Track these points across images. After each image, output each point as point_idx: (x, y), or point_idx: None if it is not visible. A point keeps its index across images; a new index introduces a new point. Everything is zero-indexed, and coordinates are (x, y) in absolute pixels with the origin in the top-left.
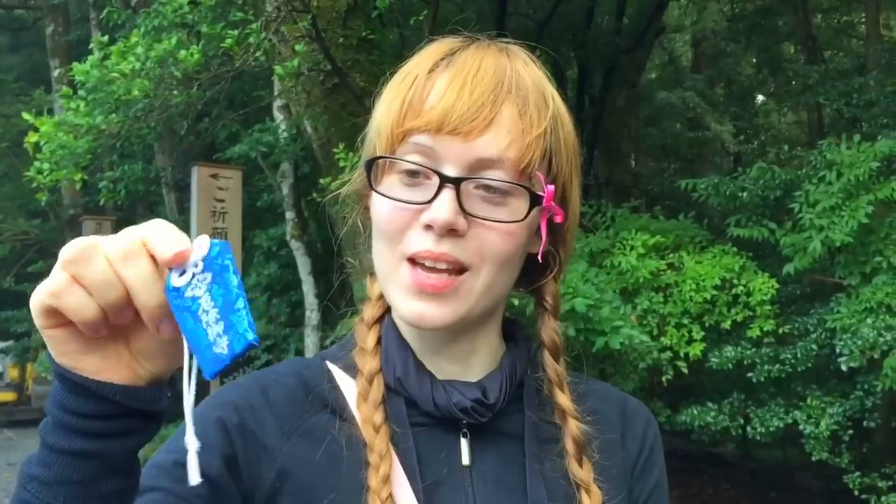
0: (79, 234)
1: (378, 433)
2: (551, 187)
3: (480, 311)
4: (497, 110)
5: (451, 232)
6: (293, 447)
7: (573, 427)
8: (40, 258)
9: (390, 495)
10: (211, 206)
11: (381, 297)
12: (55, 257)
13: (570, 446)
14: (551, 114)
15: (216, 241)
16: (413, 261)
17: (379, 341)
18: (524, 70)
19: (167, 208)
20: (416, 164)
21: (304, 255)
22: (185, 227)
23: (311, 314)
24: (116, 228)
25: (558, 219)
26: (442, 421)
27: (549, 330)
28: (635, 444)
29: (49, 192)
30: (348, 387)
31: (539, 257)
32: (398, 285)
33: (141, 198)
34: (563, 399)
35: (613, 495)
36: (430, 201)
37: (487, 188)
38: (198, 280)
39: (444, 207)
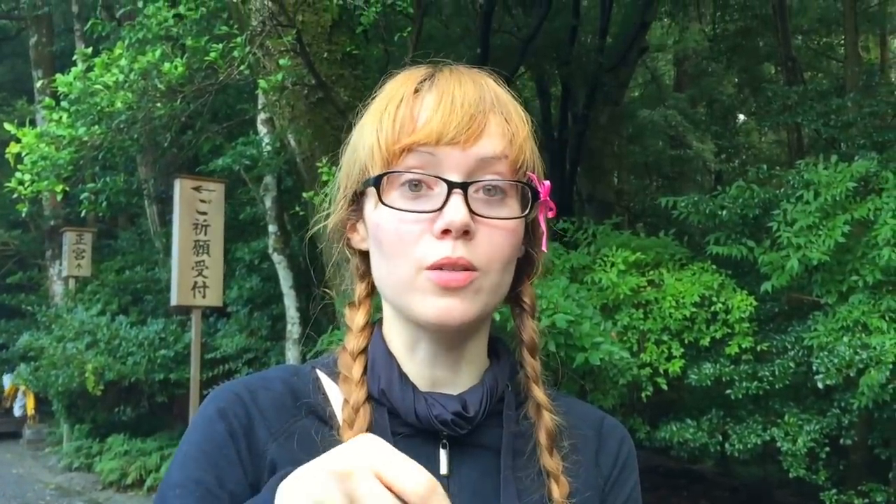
0: (59, 245)
1: None
2: (547, 183)
3: (488, 311)
4: (486, 119)
5: (464, 234)
6: (279, 447)
7: (547, 419)
8: (20, 269)
9: None
10: (193, 218)
11: (365, 327)
12: (35, 268)
13: (542, 438)
14: (527, 123)
15: None
16: (432, 268)
17: (365, 371)
18: (498, 88)
19: (149, 220)
20: (422, 173)
21: (285, 269)
22: (167, 239)
23: (293, 328)
24: (97, 240)
25: (552, 214)
26: (422, 431)
27: (528, 329)
28: (608, 460)
29: (30, 203)
30: (337, 398)
31: (543, 247)
32: (419, 291)
33: (123, 210)
34: (539, 393)
35: None
36: (440, 208)
37: (487, 190)
38: None
39: (458, 210)
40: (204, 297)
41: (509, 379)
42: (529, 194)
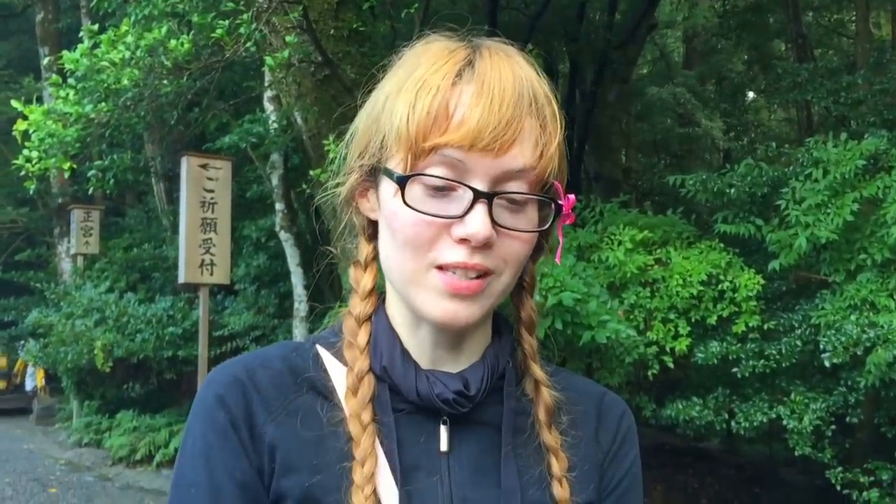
0: (67, 222)
1: (365, 431)
2: (572, 197)
3: (494, 308)
4: (522, 125)
5: (485, 245)
6: (278, 426)
7: (545, 395)
8: (28, 247)
9: (373, 492)
10: (200, 196)
11: (372, 292)
12: (43, 246)
13: (541, 414)
14: (559, 122)
15: None
16: (441, 267)
17: (369, 339)
18: (537, 81)
19: (156, 198)
20: (448, 179)
21: (292, 246)
22: (174, 216)
23: (300, 305)
24: (105, 217)
25: (570, 221)
26: (423, 409)
27: (527, 307)
28: (608, 436)
29: (38, 181)
30: (338, 373)
31: (557, 260)
32: (426, 289)
33: (130, 187)
34: (537, 369)
35: (584, 489)
36: (462, 215)
37: (511, 200)
38: None
39: (480, 223)
40: (211, 274)
41: (510, 356)
42: (552, 206)
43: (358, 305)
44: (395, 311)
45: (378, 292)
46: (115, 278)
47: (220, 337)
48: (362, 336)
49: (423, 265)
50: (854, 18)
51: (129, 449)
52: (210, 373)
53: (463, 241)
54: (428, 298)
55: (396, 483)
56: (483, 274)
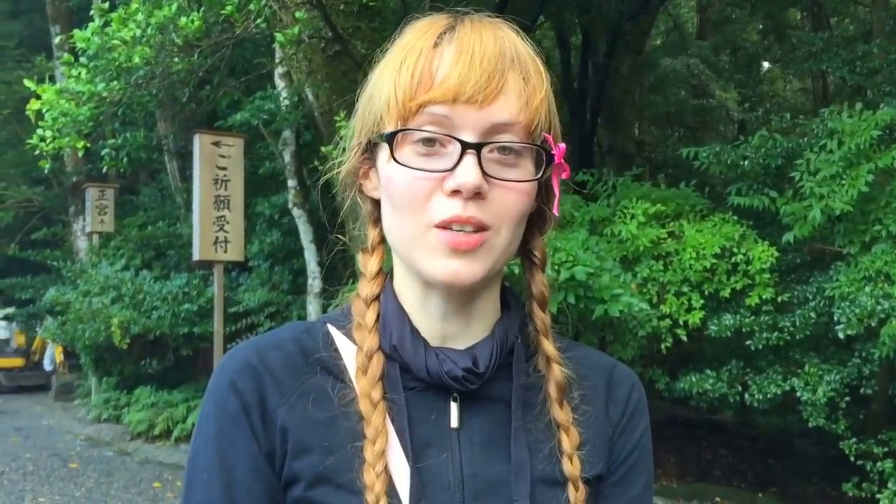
0: (82, 201)
1: (375, 409)
2: (563, 145)
3: (498, 268)
4: (505, 78)
5: (476, 195)
6: (290, 408)
7: (556, 372)
8: (44, 225)
9: (385, 469)
10: (213, 173)
11: (378, 274)
12: (59, 224)
13: (552, 390)
14: (545, 79)
15: None
16: (440, 226)
17: (377, 319)
18: (518, 41)
19: (169, 176)
20: (436, 132)
21: (305, 223)
22: (188, 194)
23: (314, 282)
24: (119, 195)
25: (566, 175)
26: (433, 386)
27: (538, 283)
28: (617, 409)
29: (52, 160)
30: (349, 353)
31: (555, 210)
32: (428, 249)
33: (143, 165)
34: (548, 346)
35: (594, 463)
36: (452, 168)
37: (502, 150)
38: None
39: (470, 172)
40: (225, 251)
41: (519, 331)
42: (544, 156)
43: (366, 287)
44: (403, 288)
45: (385, 272)
46: (131, 256)
47: (234, 313)
48: (370, 316)
49: (421, 225)
50: None
51: (148, 424)
52: (223, 357)
53: (455, 193)
54: (429, 259)
55: (408, 459)
56: (481, 229)
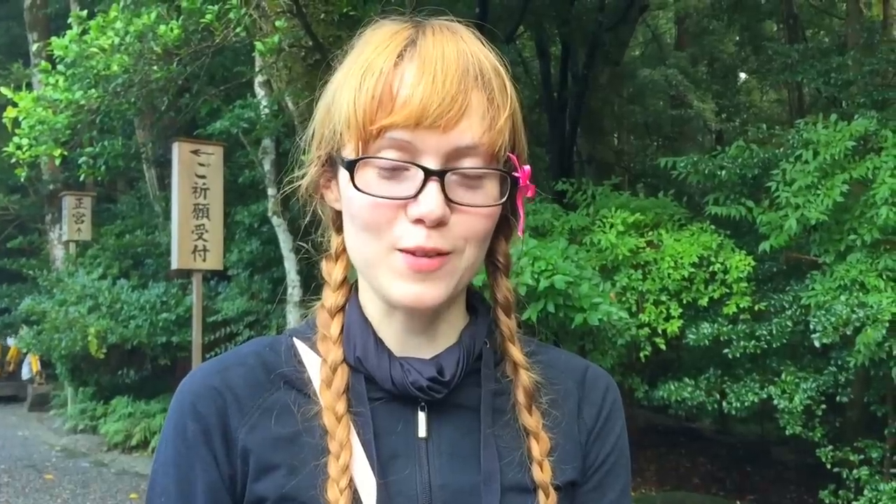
0: (59, 209)
1: (340, 422)
2: (527, 168)
3: (462, 286)
4: (468, 99)
5: (438, 224)
6: (251, 428)
7: (524, 377)
8: (20, 234)
9: (349, 484)
10: (192, 182)
11: (343, 283)
12: (35, 233)
13: (520, 396)
14: (510, 95)
15: None
16: (404, 251)
17: (342, 330)
18: (482, 54)
19: (148, 184)
20: (398, 161)
21: (285, 232)
22: (166, 202)
23: (293, 290)
24: (97, 204)
25: (530, 194)
26: (400, 396)
27: (503, 288)
28: (592, 411)
29: (28, 168)
30: (313, 365)
31: (520, 232)
32: (390, 271)
33: (121, 174)
34: (515, 351)
35: (565, 469)
36: (416, 195)
37: (464, 175)
38: None
39: (432, 201)
40: (204, 260)
41: (487, 335)
42: (508, 179)
43: (330, 297)
44: (367, 300)
45: (350, 283)
46: (108, 265)
47: (213, 323)
48: (335, 327)
49: (383, 248)
50: None
51: (125, 435)
52: (184, 379)
53: (418, 221)
54: (391, 280)
55: (374, 473)
56: (444, 253)
